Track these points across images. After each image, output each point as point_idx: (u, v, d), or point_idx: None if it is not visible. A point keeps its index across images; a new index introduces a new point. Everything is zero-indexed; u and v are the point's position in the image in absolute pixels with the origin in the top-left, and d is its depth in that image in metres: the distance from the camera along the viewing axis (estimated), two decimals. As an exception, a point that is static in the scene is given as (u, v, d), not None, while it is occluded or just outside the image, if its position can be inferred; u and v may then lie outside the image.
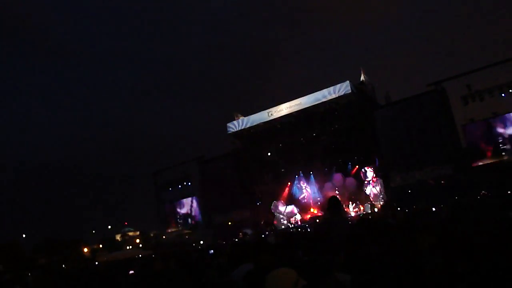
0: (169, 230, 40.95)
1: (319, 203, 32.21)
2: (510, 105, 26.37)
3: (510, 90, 26.01)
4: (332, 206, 8.25)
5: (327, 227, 8.47)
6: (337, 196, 8.63)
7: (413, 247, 4.01)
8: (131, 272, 7.66)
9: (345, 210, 27.33)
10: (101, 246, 60.81)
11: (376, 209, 28.29)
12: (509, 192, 20.89)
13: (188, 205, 39.52)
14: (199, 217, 38.78)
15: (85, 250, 56.78)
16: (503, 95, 26.24)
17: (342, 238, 5.24)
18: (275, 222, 33.43)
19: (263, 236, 28.62)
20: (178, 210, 40.31)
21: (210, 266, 5.48)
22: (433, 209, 14.97)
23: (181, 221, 40.09)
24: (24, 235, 62.25)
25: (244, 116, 34.38)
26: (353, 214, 28.41)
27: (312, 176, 33.49)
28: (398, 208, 24.67)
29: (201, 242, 35.37)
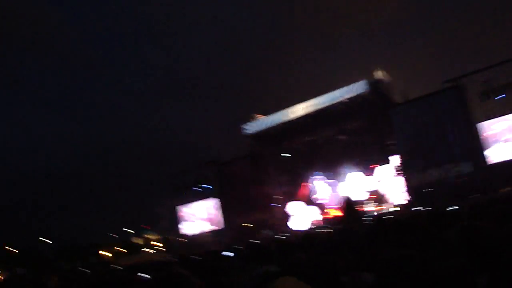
0: (187, 233, 41.05)
1: (337, 203, 31.99)
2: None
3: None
4: (346, 207, 8.22)
5: (342, 228, 8.45)
6: (351, 197, 8.57)
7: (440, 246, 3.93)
8: (146, 276, 7.63)
9: (363, 210, 27.07)
10: (121, 249, 61.24)
11: (397, 208, 28.06)
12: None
13: (205, 208, 39.57)
14: (217, 219, 38.80)
15: (106, 253, 57.27)
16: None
17: (357, 238, 5.20)
18: (292, 223, 33.37)
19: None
20: (196, 212, 40.39)
21: (228, 268, 5.44)
22: (455, 207, 14.62)
23: (199, 223, 40.17)
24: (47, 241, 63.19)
25: (261, 117, 34.31)
26: (375, 213, 28.18)
27: (330, 176, 33.28)
28: (420, 208, 24.41)
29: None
